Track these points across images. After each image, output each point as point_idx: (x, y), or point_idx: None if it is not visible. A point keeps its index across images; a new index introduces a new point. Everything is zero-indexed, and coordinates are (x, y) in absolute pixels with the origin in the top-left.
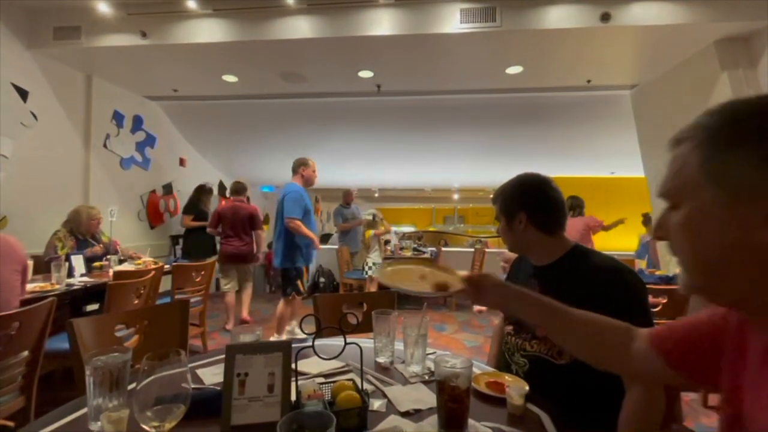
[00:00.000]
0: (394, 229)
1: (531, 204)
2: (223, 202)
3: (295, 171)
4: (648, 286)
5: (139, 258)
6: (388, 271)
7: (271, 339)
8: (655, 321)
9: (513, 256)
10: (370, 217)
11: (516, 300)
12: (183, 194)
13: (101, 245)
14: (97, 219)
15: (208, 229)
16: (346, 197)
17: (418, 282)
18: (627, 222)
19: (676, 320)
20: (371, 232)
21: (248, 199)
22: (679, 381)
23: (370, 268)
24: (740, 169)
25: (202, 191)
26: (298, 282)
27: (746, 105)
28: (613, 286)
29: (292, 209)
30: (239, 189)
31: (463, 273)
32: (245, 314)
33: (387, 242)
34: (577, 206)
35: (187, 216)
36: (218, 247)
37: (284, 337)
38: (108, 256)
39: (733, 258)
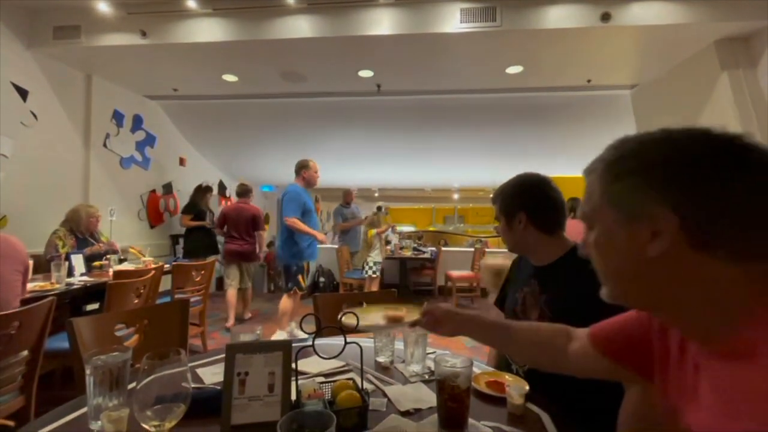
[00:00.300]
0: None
1: (531, 204)
2: (223, 202)
3: (297, 173)
4: None
5: (135, 249)
6: (352, 311)
7: (275, 333)
8: None
9: (496, 264)
10: (376, 210)
11: (466, 324)
12: (183, 194)
13: (101, 243)
14: (96, 217)
15: (215, 229)
16: (345, 197)
17: (379, 319)
18: None
19: (612, 318)
20: (374, 231)
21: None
22: (626, 375)
23: (371, 267)
24: (631, 195)
25: (201, 191)
26: (299, 277)
27: (635, 141)
28: None
29: (288, 209)
30: (244, 191)
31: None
32: (246, 314)
33: (388, 242)
34: (577, 208)
35: (185, 216)
36: (220, 246)
37: (287, 330)
38: (108, 256)
39: (633, 270)
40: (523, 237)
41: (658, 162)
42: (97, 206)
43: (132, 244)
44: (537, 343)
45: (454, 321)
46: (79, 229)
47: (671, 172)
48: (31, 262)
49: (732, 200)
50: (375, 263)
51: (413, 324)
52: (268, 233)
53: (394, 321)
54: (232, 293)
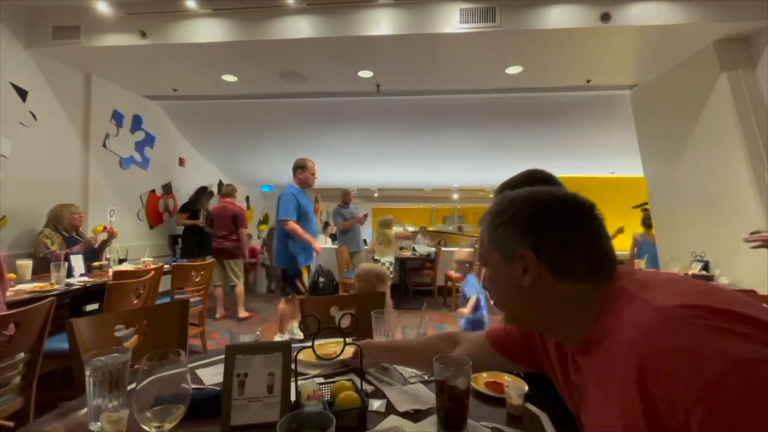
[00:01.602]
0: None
1: None
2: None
3: (294, 173)
4: None
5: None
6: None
7: (275, 337)
8: None
9: (464, 257)
10: (389, 217)
11: (380, 352)
12: (182, 194)
13: (93, 237)
14: (78, 213)
15: (206, 228)
16: (344, 197)
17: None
18: (627, 221)
19: None
20: (393, 231)
21: (247, 199)
22: (518, 368)
23: (387, 269)
24: (506, 240)
25: (202, 193)
26: (297, 281)
27: (509, 198)
28: None
29: (284, 211)
30: (229, 192)
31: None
32: (241, 313)
33: (401, 248)
34: None
35: (181, 214)
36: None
37: (286, 336)
38: (107, 256)
39: (515, 297)
40: None
41: (522, 215)
42: (95, 205)
43: (129, 244)
44: (427, 355)
45: (371, 352)
46: (63, 227)
47: (529, 221)
48: (29, 263)
49: (566, 238)
50: (390, 263)
51: (345, 360)
52: (266, 232)
53: (327, 357)
54: (218, 288)
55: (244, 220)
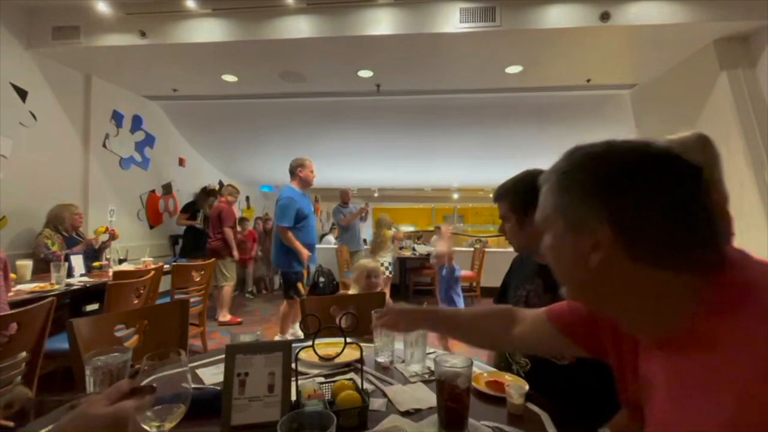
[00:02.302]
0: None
1: None
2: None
3: (292, 173)
4: None
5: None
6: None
7: (276, 338)
8: None
9: (443, 252)
10: (386, 217)
11: (418, 319)
12: (182, 194)
13: (94, 238)
14: (79, 214)
15: (206, 229)
16: (343, 197)
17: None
18: None
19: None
20: (390, 232)
21: (247, 199)
22: (578, 351)
23: (386, 268)
24: (575, 207)
25: (204, 192)
26: (299, 284)
27: (582, 153)
28: None
29: (280, 217)
30: (223, 192)
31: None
32: (221, 316)
33: (401, 248)
34: None
35: (182, 214)
36: None
37: (288, 337)
38: (107, 257)
39: (579, 276)
40: (534, 236)
41: (598, 176)
42: (95, 205)
43: (129, 244)
44: (482, 328)
45: (406, 317)
46: (64, 228)
47: (607, 186)
48: (29, 263)
49: (654, 213)
50: (389, 263)
51: (353, 363)
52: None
53: (329, 357)
54: (216, 289)
55: (229, 217)
